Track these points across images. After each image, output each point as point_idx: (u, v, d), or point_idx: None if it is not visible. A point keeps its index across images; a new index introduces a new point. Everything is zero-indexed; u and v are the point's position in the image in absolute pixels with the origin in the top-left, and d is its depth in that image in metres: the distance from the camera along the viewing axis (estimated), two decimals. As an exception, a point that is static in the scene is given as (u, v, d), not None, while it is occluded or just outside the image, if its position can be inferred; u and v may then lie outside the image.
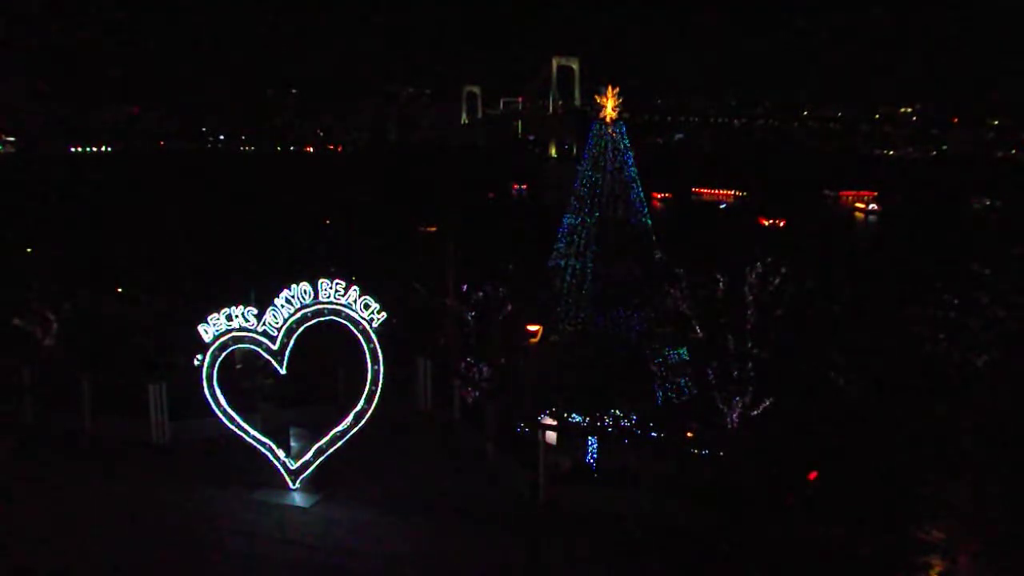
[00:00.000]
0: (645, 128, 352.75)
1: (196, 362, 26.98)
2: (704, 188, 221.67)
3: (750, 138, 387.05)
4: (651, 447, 29.03)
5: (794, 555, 23.78)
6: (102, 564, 23.81)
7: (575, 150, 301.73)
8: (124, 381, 33.92)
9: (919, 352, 32.05)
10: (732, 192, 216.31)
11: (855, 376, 30.42)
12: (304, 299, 26.36)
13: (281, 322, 26.52)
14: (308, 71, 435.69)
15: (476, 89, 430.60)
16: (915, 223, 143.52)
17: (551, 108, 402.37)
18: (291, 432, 28.44)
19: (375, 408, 26.95)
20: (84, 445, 32.16)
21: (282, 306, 26.49)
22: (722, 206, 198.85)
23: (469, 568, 24.01)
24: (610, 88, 39.82)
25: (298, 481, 27.78)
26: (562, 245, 39.71)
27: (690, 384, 35.65)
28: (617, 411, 30.28)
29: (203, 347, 26.83)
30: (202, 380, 26.98)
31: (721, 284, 30.12)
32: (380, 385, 26.69)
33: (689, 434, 29.51)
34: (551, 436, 29.56)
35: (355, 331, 26.40)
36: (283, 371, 27.03)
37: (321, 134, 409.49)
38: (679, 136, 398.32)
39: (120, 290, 45.36)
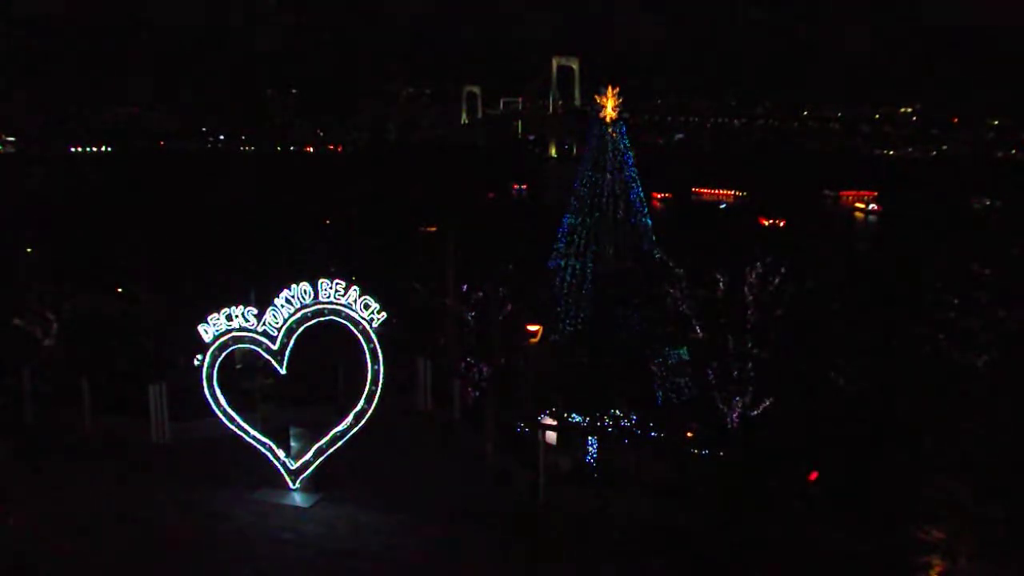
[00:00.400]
0: (645, 128, 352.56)
1: (196, 362, 26.97)
2: (704, 188, 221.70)
3: (750, 138, 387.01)
4: (651, 447, 29.07)
5: (794, 555, 23.79)
6: (102, 564, 23.80)
7: (575, 150, 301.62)
8: (124, 381, 33.93)
9: (919, 352, 32.08)
10: (732, 192, 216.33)
11: (855, 376, 30.46)
12: (304, 299, 26.34)
13: (281, 322, 26.50)
14: (308, 71, 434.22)
15: (476, 89, 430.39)
16: (915, 223, 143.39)
17: (551, 108, 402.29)
18: (291, 432, 28.41)
19: (375, 408, 26.92)
20: (84, 445, 32.14)
21: (282, 306, 26.48)
22: (722, 206, 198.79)
23: (469, 568, 24.00)
24: (610, 88, 39.91)
25: (298, 481, 27.75)
26: (562, 245, 39.77)
27: (690, 384, 35.67)
28: (617, 411, 30.31)
29: (203, 347, 26.81)
30: (202, 380, 26.97)
31: (721, 284, 30.13)
32: (380, 385, 26.66)
33: (689, 434, 29.53)
34: (551, 436, 29.58)
35: (355, 331, 26.38)
36: (283, 371, 26.99)
37: (321, 134, 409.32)
38: (679, 136, 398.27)
39: (120, 290, 45.36)
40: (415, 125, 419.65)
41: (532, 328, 27.50)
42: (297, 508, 27.03)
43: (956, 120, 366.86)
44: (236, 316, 26.65)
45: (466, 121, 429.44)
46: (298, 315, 26.41)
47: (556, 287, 39.03)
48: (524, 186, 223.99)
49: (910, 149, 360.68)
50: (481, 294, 37.09)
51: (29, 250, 56.10)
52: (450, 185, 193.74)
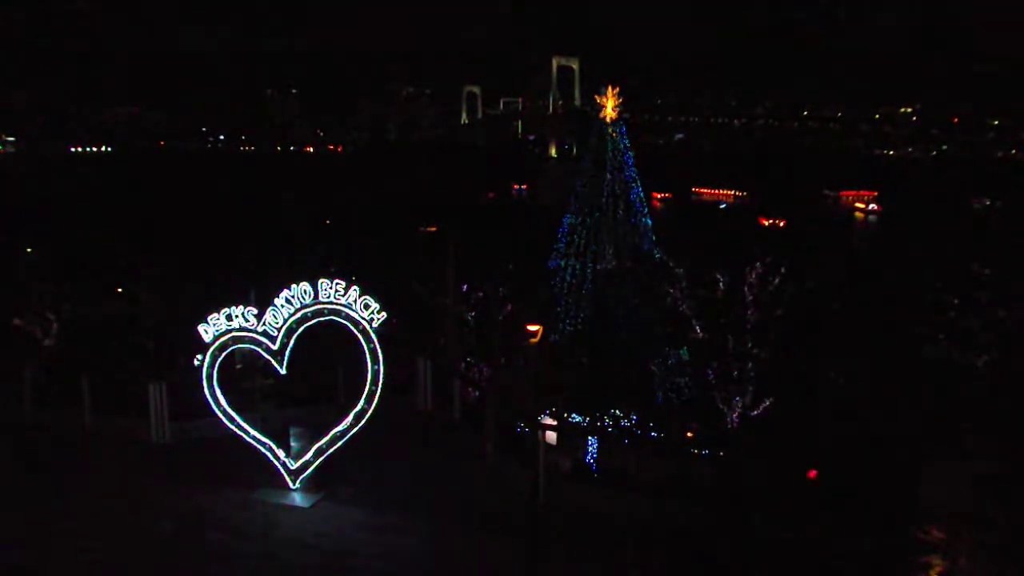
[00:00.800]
0: (645, 128, 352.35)
1: (196, 362, 26.97)
2: (704, 188, 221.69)
3: (750, 138, 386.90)
4: (651, 447, 29.06)
5: (794, 555, 23.80)
6: (101, 565, 23.80)
7: (575, 150, 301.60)
8: (124, 381, 33.94)
9: (919, 352, 32.10)
10: (732, 192, 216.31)
11: (855, 376, 30.47)
12: (304, 299, 26.34)
13: (281, 322, 26.51)
14: (308, 71, 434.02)
15: (476, 89, 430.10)
16: (915, 223, 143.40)
17: (551, 108, 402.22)
18: (291, 432, 28.41)
19: (375, 408, 26.93)
20: (84, 445, 32.14)
21: (282, 306, 26.48)
22: (722, 206, 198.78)
23: (469, 568, 24.01)
24: (610, 88, 39.94)
25: (298, 481, 27.75)
26: (562, 245, 39.79)
27: (690, 384, 35.67)
28: (617, 411, 30.31)
29: (203, 347, 26.82)
30: (202, 380, 26.97)
31: (721, 284, 30.13)
32: (380, 385, 26.67)
33: (689, 434, 29.53)
34: (551, 436, 29.57)
35: (355, 331, 26.39)
36: (283, 371, 27.00)
37: (321, 134, 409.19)
38: (679, 136, 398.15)
39: (120, 290, 45.35)
40: (415, 125, 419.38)
41: (532, 328, 27.43)
42: (297, 508, 27.03)
43: (956, 120, 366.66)
44: (236, 316, 26.65)
45: (466, 121, 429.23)
46: (298, 315, 26.41)
47: (556, 287, 39.03)
48: (524, 186, 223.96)
49: (910, 149, 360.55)
50: (481, 294, 37.10)
51: (29, 250, 56.08)
52: (450, 185, 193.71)
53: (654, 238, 40.15)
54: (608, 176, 39.25)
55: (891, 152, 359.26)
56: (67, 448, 31.73)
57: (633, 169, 39.95)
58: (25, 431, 33.06)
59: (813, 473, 25.71)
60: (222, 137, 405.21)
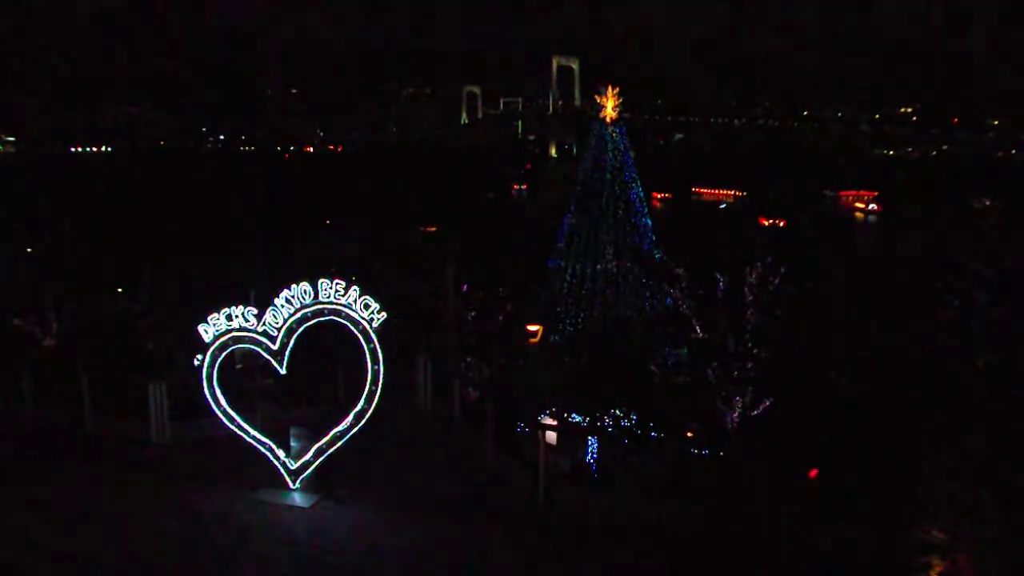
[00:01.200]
0: (645, 128, 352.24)
1: (196, 362, 26.98)
2: (704, 188, 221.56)
3: (750, 138, 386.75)
4: (651, 447, 29.04)
5: (794, 555, 23.79)
6: (101, 564, 23.81)
7: (575, 150, 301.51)
8: (124, 381, 33.93)
9: (919, 352, 32.07)
10: (732, 192, 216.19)
11: (855, 376, 30.45)
12: (304, 299, 26.35)
13: (281, 322, 26.51)
14: (308, 71, 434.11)
15: (476, 89, 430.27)
16: (915, 223, 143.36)
17: (551, 108, 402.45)
18: (291, 432, 28.43)
19: (375, 408, 26.94)
20: (84, 445, 32.14)
21: (282, 306, 26.49)
22: (722, 206, 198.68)
23: (469, 568, 24.00)
24: (610, 88, 39.86)
25: (298, 481, 27.76)
26: (562, 245, 39.76)
27: (690, 384, 35.62)
28: (617, 411, 30.29)
29: (203, 347, 26.83)
30: (202, 380, 26.99)
31: (721, 284, 30.09)
32: (380, 385, 26.68)
33: (689, 434, 29.50)
34: (551, 436, 29.57)
35: (355, 331, 26.40)
36: (283, 371, 27.02)
37: (321, 134, 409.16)
38: (679, 136, 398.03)
39: (120, 290, 45.30)
40: (415, 125, 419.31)
41: (532, 328, 27.43)
42: (297, 508, 27.04)
43: (956, 120, 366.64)
44: (236, 316, 26.67)
45: (466, 121, 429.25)
46: (298, 315, 26.42)
47: (556, 287, 39.00)
48: (524, 186, 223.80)
49: (910, 149, 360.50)
50: (481, 294, 37.12)
51: (29, 250, 55.99)
52: (450, 185, 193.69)
53: (654, 238, 40.07)
54: (608, 176, 39.16)
55: (891, 152, 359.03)
56: (67, 448, 31.74)
57: (633, 169, 39.87)
58: (25, 431, 33.09)
59: (813, 473, 25.70)
60: (222, 137, 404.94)
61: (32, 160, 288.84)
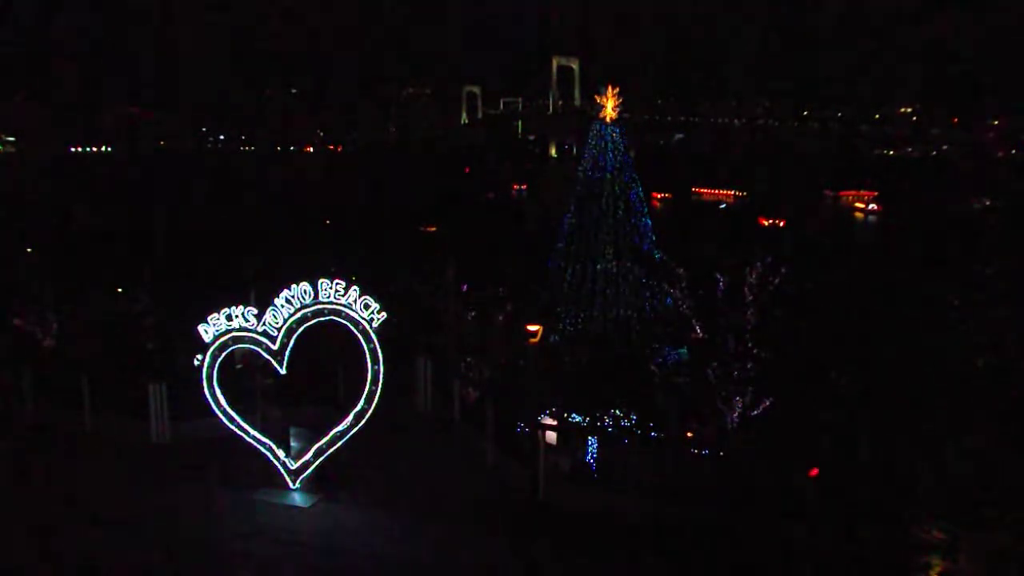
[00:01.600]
0: (645, 128, 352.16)
1: (196, 362, 26.98)
2: (704, 188, 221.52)
3: (750, 138, 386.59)
4: (651, 447, 29.06)
5: (794, 555, 23.80)
6: (101, 563, 23.81)
7: (575, 150, 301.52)
8: (124, 381, 33.93)
9: (919, 352, 32.07)
10: (732, 192, 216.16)
11: (855, 375, 30.46)
12: (304, 299, 26.37)
13: (281, 322, 26.52)
14: (308, 71, 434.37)
15: (476, 89, 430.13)
16: (915, 223, 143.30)
17: (551, 108, 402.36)
18: (291, 432, 28.45)
19: (375, 408, 26.95)
20: (84, 445, 32.15)
21: (282, 306, 26.50)
22: (722, 206, 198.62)
23: (469, 568, 24.02)
24: (610, 88, 39.86)
25: (298, 481, 27.78)
26: (562, 245, 39.75)
27: (690, 384, 35.63)
28: (617, 411, 30.31)
29: (203, 347, 26.83)
30: (202, 380, 26.99)
31: (721, 284, 30.09)
32: (380, 385, 26.70)
33: (689, 434, 29.50)
34: (551, 436, 29.59)
35: (355, 331, 26.41)
36: (283, 371, 27.03)
37: (321, 134, 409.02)
38: (679, 136, 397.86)
39: (120, 290, 45.27)
40: (415, 125, 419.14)
41: (532, 328, 27.39)
42: (297, 508, 27.05)
43: (956, 120, 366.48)
44: (236, 316, 26.68)
45: (466, 121, 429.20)
46: (298, 315, 26.44)
47: (556, 287, 39.01)
48: (524, 186, 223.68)
49: (910, 149, 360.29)
50: (481, 294, 37.09)
51: (29, 250, 56.00)
52: (450, 185, 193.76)
53: (654, 238, 40.07)
54: (608, 176, 39.16)
55: (891, 152, 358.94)
56: (67, 448, 31.75)
57: (633, 169, 39.89)
58: (25, 431, 33.10)
59: (814, 472, 25.70)
60: (222, 137, 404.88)
61: (32, 160, 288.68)
